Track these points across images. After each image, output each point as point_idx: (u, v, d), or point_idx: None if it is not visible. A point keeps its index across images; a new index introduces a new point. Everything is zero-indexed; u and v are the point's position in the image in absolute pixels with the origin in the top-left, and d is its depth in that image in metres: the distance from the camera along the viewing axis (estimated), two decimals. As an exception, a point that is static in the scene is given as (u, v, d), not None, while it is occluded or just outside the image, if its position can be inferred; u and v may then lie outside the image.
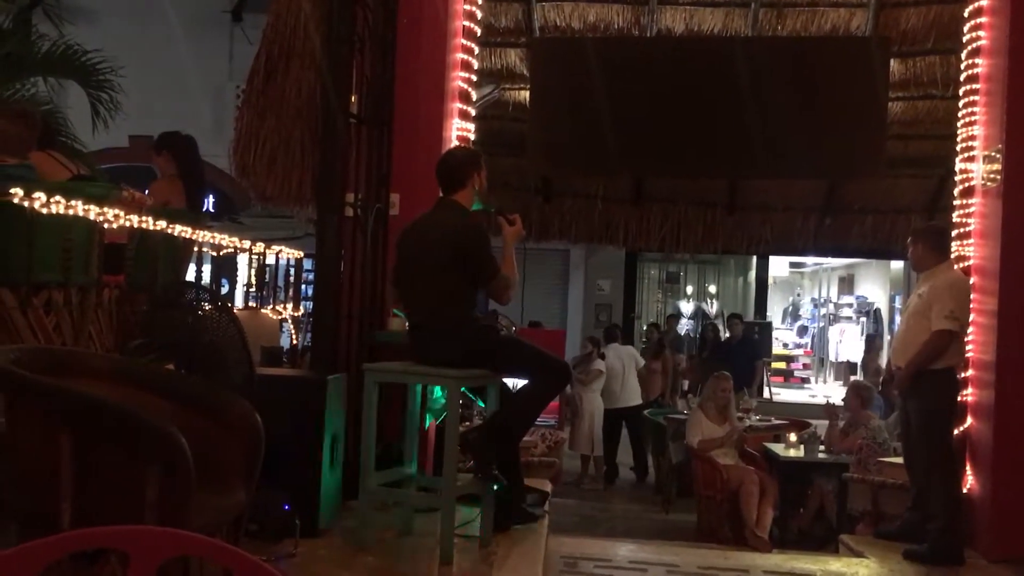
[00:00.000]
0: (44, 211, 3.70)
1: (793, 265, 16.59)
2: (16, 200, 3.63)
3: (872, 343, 12.80)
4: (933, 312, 4.71)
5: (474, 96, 5.78)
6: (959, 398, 4.94)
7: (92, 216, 3.93)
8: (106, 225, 4.06)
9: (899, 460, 5.95)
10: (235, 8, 13.48)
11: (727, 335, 11.90)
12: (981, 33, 5.18)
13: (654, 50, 7.96)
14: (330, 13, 5.04)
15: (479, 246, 4.03)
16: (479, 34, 5.78)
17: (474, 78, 5.68)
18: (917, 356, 4.74)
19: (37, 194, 3.67)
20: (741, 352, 10.88)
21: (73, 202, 3.81)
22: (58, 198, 3.74)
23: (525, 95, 8.44)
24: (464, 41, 5.53)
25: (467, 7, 5.55)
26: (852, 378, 10.89)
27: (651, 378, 10.67)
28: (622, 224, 10.32)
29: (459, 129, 5.47)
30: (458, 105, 5.47)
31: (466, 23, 5.54)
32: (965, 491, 4.95)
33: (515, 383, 4.53)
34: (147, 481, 2.24)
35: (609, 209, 10.27)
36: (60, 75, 7.95)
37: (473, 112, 5.70)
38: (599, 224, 10.31)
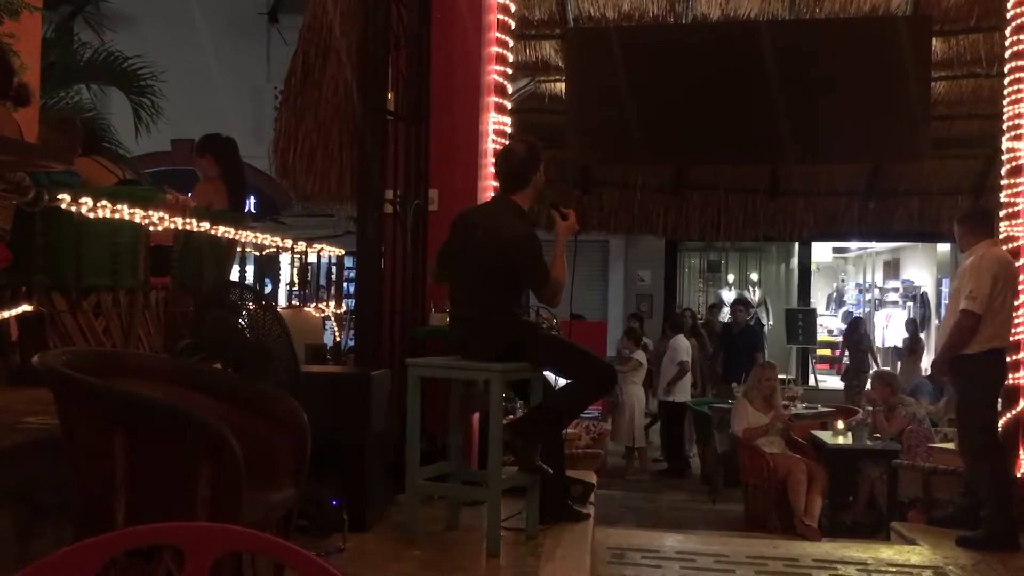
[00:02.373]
0: (91, 216, 3.77)
1: (837, 251, 16.36)
2: (64, 206, 3.70)
3: (915, 329, 12.40)
4: (960, 293, 4.68)
5: (510, 89, 5.77)
6: (1008, 381, 4.85)
7: (138, 219, 4.00)
8: (151, 228, 4.13)
9: (949, 446, 5.87)
10: (271, 10, 13.59)
11: (729, 320, 11.51)
12: (1026, 8, 5.07)
13: (690, 37, 7.88)
14: (365, 11, 5.07)
15: (528, 257, 3.99)
16: (513, 27, 5.77)
17: (509, 71, 5.68)
18: (947, 340, 4.72)
19: (84, 199, 3.74)
20: (741, 342, 10.53)
21: (119, 206, 3.88)
22: (104, 203, 3.81)
23: (561, 87, 8.41)
24: (498, 34, 5.52)
25: (501, 0, 5.54)
26: (872, 370, 10.68)
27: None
28: (661, 213, 10.26)
29: (495, 123, 5.46)
30: (494, 99, 5.47)
31: (500, 16, 5.53)
32: (1019, 476, 4.86)
33: (556, 379, 4.53)
34: (198, 478, 2.28)
35: (648, 198, 10.21)
36: (102, 82, 8.10)
37: (509, 105, 5.69)
38: (638, 214, 10.26)
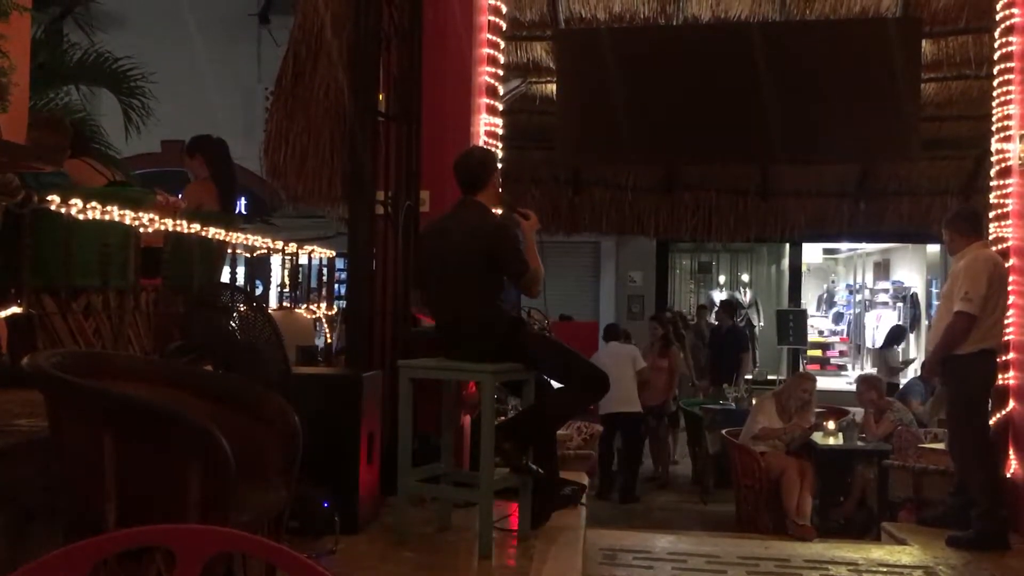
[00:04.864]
0: (81, 217, 3.76)
1: (827, 251, 16.41)
2: (53, 207, 3.69)
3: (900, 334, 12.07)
4: (955, 295, 4.68)
5: (501, 90, 5.77)
6: (998, 381, 4.87)
7: (128, 221, 3.99)
8: (142, 229, 4.11)
9: (939, 446, 5.90)
10: (262, 10, 13.56)
11: (716, 323, 11.33)
12: (1014, 11, 5.09)
13: (681, 38, 7.89)
14: (356, 11, 5.06)
15: (509, 245, 4.05)
16: (504, 28, 5.78)
17: (500, 72, 5.68)
18: (940, 340, 4.70)
19: (74, 201, 3.73)
20: (728, 343, 10.45)
21: (109, 208, 3.86)
22: (94, 204, 3.79)
23: (552, 88, 8.41)
24: (489, 36, 5.52)
25: (492, 2, 5.55)
26: (858, 374, 10.68)
27: (655, 378, 9.22)
28: (653, 214, 10.27)
29: (487, 124, 5.46)
30: (485, 100, 5.47)
31: (491, 17, 5.54)
32: (1009, 475, 4.88)
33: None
34: (189, 480, 2.27)
35: (639, 199, 10.22)
36: (92, 83, 8.07)
37: (500, 106, 5.69)
38: (629, 215, 10.27)
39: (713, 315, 12.28)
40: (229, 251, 5.32)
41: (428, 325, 4.91)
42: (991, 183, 5.28)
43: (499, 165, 4.35)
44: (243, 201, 11.29)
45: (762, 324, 14.29)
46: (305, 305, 6.57)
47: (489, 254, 4.02)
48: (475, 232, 4.04)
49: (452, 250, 4.08)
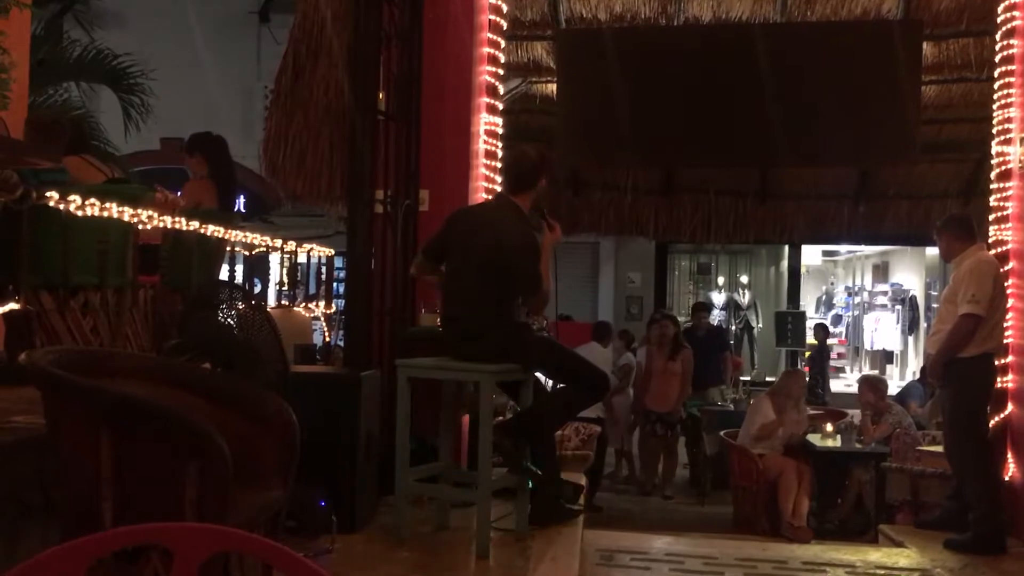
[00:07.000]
0: (79, 214, 3.75)
1: (826, 253, 16.41)
2: (52, 204, 3.68)
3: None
4: (959, 297, 4.67)
5: (501, 90, 5.77)
6: (997, 385, 4.87)
7: (126, 218, 3.98)
8: (140, 227, 4.11)
9: (938, 448, 5.89)
10: (262, 9, 13.56)
11: (690, 324, 11.25)
12: (1016, 13, 5.09)
13: (682, 39, 7.89)
14: (356, 10, 5.05)
15: (529, 265, 4.02)
16: (505, 28, 5.77)
17: (501, 72, 5.67)
18: (945, 343, 4.69)
19: (72, 197, 3.72)
20: (708, 345, 10.14)
21: (108, 204, 3.86)
22: (93, 201, 3.79)
23: (552, 88, 8.41)
24: (490, 35, 5.52)
25: (492, 1, 5.54)
26: (860, 374, 10.55)
27: (668, 382, 8.93)
28: (652, 215, 10.27)
29: (487, 123, 5.46)
30: (485, 99, 5.47)
31: (492, 17, 5.53)
32: (1006, 479, 4.88)
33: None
34: (186, 479, 2.26)
35: (638, 200, 10.22)
36: (92, 80, 8.08)
37: (500, 106, 5.69)
38: (629, 216, 10.27)
39: (715, 316, 12.09)
40: (228, 249, 5.31)
41: (426, 326, 4.90)
42: (991, 186, 5.28)
43: (547, 171, 4.29)
44: (242, 199, 11.28)
45: (760, 325, 14.31)
46: (304, 304, 6.56)
47: (508, 265, 4.01)
48: (503, 239, 4.02)
49: (475, 247, 4.07)
